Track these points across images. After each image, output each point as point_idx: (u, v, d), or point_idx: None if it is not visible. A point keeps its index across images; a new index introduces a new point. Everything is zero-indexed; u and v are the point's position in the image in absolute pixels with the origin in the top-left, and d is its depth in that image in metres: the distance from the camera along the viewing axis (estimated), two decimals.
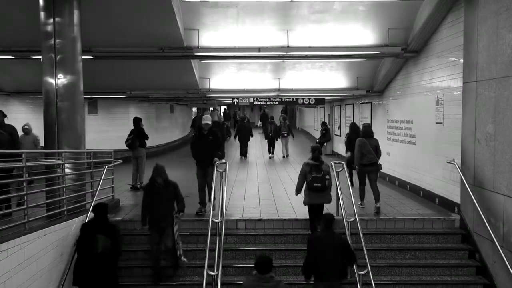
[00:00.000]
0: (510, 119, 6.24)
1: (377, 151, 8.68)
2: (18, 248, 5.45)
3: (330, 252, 5.63)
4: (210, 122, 8.52)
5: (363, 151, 8.53)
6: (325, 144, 19.76)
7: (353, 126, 10.63)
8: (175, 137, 25.27)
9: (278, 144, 18.63)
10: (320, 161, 7.42)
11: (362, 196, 8.85)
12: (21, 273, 5.46)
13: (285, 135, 17.82)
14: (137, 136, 11.24)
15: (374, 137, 8.83)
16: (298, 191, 7.71)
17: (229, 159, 15.82)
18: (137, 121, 11.43)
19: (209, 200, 7.95)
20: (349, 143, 10.16)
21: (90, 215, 6.98)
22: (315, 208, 7.49)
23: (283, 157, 18.00)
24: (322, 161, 7.50)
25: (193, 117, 28.43)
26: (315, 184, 7.25)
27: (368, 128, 9.03)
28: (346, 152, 10.70)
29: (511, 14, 6.17)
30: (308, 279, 5.85)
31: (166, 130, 23.57)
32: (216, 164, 8.02)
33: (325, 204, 7.53)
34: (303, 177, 7.49)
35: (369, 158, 8.54)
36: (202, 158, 8.34)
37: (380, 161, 8.56)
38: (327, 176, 7.35)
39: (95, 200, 7.58)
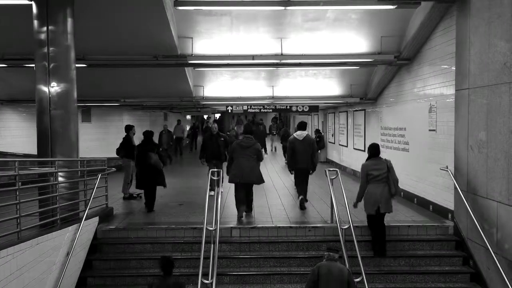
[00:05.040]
0: (502, 126, 6.29)
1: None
2: (11, 257, 5.40)
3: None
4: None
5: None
6: (319, 151, 19.81)
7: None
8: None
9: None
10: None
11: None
12: (13, 283, 5.41)
13: (274, 133, 23.66)
14: (122, 145, 11.02)
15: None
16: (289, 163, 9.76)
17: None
18: (125, 129, 11.21)
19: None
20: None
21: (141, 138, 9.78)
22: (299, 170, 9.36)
23: (271, 150, 23.08)
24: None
25: (161, 131, 20.59)
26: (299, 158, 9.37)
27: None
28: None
29: (503, 22, 6.24)
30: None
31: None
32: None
33: (318, 210, 7.61)
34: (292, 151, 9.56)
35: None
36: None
37: None
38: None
39: (89, 209, 7.55)
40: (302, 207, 9.31)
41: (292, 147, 9.24)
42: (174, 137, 21.92)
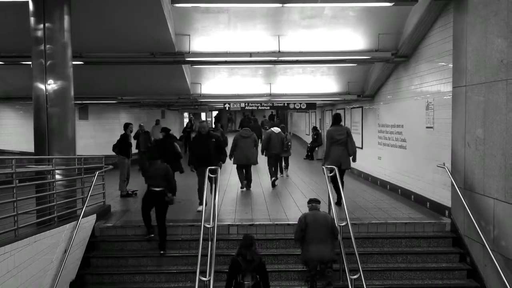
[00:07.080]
0: (499, 123, 6.31)
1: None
2: (8, 255, 5.40)
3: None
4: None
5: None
6: (316, 148, 19.82)
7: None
8: None
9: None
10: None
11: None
12: (10, 281, 5.41)
13: (267, 128, 24.31)
14: (119, 142, 11.10)
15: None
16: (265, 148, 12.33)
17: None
18: (123, 127, 11.31)
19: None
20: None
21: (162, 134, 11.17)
22: (274, 156, 12.41)
23: None
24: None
25: (136, 131, 16.00)
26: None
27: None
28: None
29: (500, 19, 6.25)
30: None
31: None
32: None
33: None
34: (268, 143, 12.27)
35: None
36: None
37: (372, 165, 8.83)
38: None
39: (86, 206, 7.55)
40: (274, 185, 11.93)
41: (269, 137, 12.27)
42: (153, 139, 17.34)
